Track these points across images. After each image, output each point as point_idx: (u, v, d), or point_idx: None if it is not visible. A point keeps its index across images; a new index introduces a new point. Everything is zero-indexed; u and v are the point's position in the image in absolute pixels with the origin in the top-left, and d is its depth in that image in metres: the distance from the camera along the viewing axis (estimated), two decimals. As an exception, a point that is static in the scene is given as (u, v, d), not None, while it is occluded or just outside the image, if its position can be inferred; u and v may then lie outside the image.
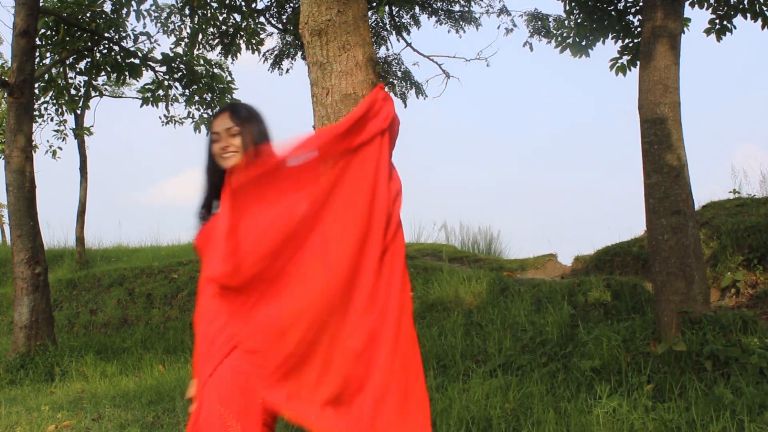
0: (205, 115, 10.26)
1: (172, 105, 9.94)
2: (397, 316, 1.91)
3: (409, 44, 11.23)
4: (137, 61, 9.32)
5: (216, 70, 9.97)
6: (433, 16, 10.95)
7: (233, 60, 9.81)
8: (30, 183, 7.26)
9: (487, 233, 11.54)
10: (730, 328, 4.31)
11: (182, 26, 9.48)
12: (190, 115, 10.28)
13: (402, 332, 1.92)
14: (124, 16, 8.98)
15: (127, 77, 9.44)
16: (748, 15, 5.92)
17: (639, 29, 6.11)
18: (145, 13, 9.06)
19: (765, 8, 5.84)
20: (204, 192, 2.14)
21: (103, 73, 9.45)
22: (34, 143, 8.81)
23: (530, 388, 4.26)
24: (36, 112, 9.78)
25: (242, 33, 9.59)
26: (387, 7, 10.04)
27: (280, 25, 10.39)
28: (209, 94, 9.99)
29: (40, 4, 7.79)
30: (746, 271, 6.10)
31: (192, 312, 9.46)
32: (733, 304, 5.86)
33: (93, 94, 11.07)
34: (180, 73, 9.69)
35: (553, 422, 3.65)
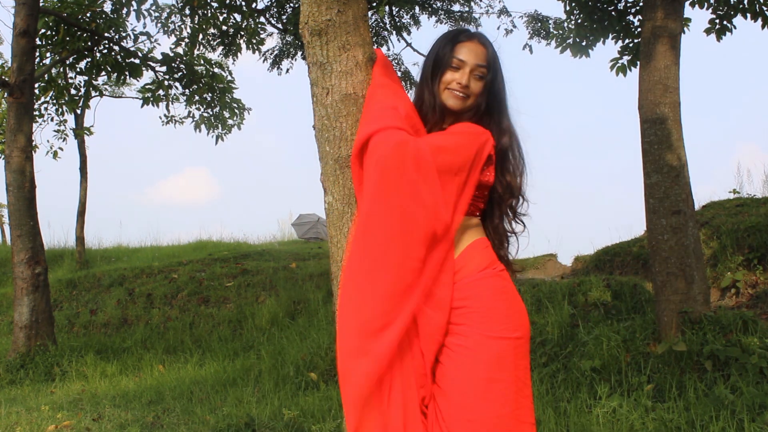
0: (206, 115, 10.28)
1: (172, 105, 9.97)
2: None
3: (409, 44, 11.26)
4: (137, 61, 9.33)
5: (216, 70, 9.99)
6: (433, 16, 10.96)
7: (234, 60, 9.82)
8: (30, 183, 7.26)
9: (486, 233, 11.51)
10: (730, 328, 4.31)
11: (182, 26, 9.49)
12: (190, 115, 10.30)
13: None
14: (124, 16, 8.98)
15: (127, 77, 9.45)
16: (748, 15, 5.92)
17: (639, 29, 6.12)
18: (145, 13, 9.06)
19: (765, 8, 5.85)
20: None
21: (103, 73, 9.46)
22: (34, 143, 8.81)
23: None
24: (36, 112, 9.78)
25: (242, 33, 9.59)
26: (387, 7, 10.03)
27: (280, 25, 10.39)
28: (209, 94, 10.01)
29: (40, 4, 7.79)
30: (746, 271, 6.10)
31: (191, 312, 9.38)
32: (733, 304, 5.86)
33: (93, 94, 11.10)
34: (180, 73, 9.70)
35: (553, 422, 3.65)
